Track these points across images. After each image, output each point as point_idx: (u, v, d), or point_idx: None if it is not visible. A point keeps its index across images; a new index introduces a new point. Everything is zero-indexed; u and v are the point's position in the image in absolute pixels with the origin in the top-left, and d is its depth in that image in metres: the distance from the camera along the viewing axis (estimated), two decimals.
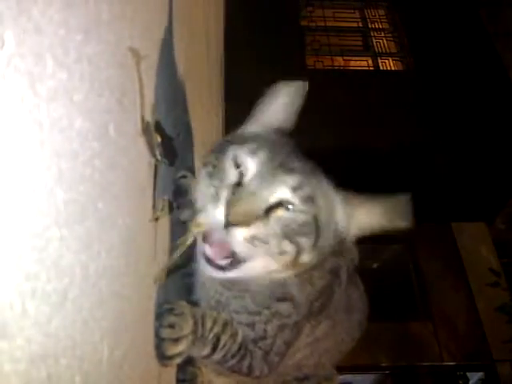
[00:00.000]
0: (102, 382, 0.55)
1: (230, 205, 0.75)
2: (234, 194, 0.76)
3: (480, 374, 3.86)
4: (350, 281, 1.08)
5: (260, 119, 0.89)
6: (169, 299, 0.84)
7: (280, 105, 0.88)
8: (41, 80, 0.39)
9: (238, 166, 0.78)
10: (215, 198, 0.77)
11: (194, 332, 0.82)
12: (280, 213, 0.77)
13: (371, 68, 4.31)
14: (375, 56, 4.39)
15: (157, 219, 0.81)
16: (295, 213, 0.77)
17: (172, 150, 0.87)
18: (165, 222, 0.88)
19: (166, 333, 0.78)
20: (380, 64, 4.34)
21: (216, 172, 0.79)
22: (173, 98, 1.01)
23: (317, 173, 0.83)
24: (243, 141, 0.82)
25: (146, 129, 0.71)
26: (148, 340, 0.76)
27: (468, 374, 3.86)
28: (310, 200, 0.78)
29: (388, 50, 4.47)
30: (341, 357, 1.18)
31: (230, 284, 0.89)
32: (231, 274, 0.81)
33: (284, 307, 0.90)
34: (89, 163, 0.49)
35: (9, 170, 0.35)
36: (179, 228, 0.97)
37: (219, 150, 0.82)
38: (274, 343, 0.92)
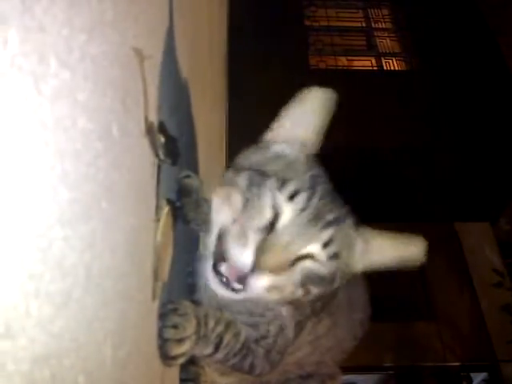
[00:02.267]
0: (106, 382, 0.55)
1: (260, 251, 0.72)
2: (264, 238, 0.74)
3: (484, 375, 3.85)
4: (352, 280, 1.09)
5: (285, 128, 0.84)
6: (172, 299, 0.84)
7: (306, 113, 0.82)
8: (44, 79, 0.39)
9: (275, 209, 0.75)
10: (242, 237, 0.74)
11: (197, 332, 0.82)
12: (306, 263, 0.76)
13: (375, 68, 4.31)
14: (379, 56, 4.38)
15: (160, 219, 0.81)
16: (319, 266, 0.77)
17: (175, 149, 0.87)
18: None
19: (169, 333, 0.78)
20: (384, 64, 4.33)
21: (248, 207, 0.76)
22: (176, 98, 1.01)
23: (347, 216, 0.81)
24: (281, 176, 0.77)
25: (149, 129, 0.71)
26: (151, 340, 0.76)
27: (472, 374, 3.85)
28: (335, 256, 0.78)
29: (391, 50, 4.46)
30: (343, 356, 1.18)
31: None
32: (239, 297, 0.80)
33: (285, 309, 0.90)
34: (92, 163, 0.49)
35: (13, 170, 0.35)
36: (183, 228, 0.97)
37: (253, 181, 0.78)
38: (276, 342, 0.92)
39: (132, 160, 0.65)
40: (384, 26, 4.67)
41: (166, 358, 0.79)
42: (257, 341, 0.91)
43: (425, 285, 3.99)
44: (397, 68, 4.32)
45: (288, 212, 0.75)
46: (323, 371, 1.15)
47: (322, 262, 0.77)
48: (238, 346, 0.88)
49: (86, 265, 0.48)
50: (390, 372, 3.91)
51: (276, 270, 0.73)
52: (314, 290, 0.79)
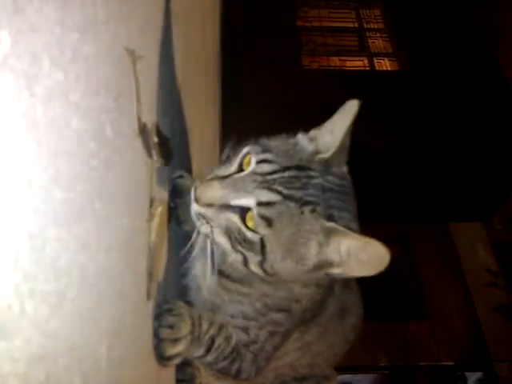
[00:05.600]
0: (101, 383, 0.55)
1: (199, 184, 0.81)
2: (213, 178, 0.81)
3: (479, 374, 3.86)
4: (345, 284, 1.08)
5: (321, 133, 0.87)
6: (166, 299, 0.84)
7: (337, 122, 0.87)
8: (37, 80, 0.39)
9: (240, 164, 0.82)
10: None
11: (192, 333, 0.82)
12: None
13: (367, 68, 4.32)
14: (371, 56, 4.40)
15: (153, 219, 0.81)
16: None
17: (168, 150, 0.87)
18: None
19: (165, 333, 0.78)
20: (376, 64, 4.35)
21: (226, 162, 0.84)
22: (170, 98, 1.01)
23: (308, 204, 0.78)
24: (266, 148, 0.82)
25: (142, 129, 0.71)
26: (147, 340, 0.76)
27: (466, 373, 3.87)
28: (266, 220, 0.77)
29: (384, 50, 4.48)
30: (336, 359, 1.18)
31: (230, 286, 0.90)
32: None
33: (279, 317, 0.91)
34: (85, 163, 0.49)
35: (5, 170, 0.35)
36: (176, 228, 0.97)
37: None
38: (264, 348, 0.93)
39: (125, 160, 0.65)
40: (376, 26, 4.69)
41: (161, 358, 0.79)
42: (246, 345, 0.91)
43: (419, 284, 4.00)
44: (389, 68, 4.33)
45: (247, 170, 0.80)
46: (317, 373, 1.15)
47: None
48: (229, 349, 0.89)
49: (81, 265, 0.48)
50: (385, 372, 3.93)
51: (203, 202, 0.80)
52: (250, 255, 0.79)
